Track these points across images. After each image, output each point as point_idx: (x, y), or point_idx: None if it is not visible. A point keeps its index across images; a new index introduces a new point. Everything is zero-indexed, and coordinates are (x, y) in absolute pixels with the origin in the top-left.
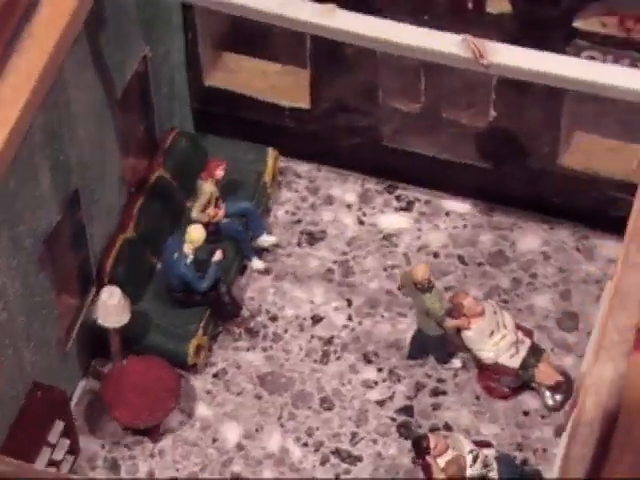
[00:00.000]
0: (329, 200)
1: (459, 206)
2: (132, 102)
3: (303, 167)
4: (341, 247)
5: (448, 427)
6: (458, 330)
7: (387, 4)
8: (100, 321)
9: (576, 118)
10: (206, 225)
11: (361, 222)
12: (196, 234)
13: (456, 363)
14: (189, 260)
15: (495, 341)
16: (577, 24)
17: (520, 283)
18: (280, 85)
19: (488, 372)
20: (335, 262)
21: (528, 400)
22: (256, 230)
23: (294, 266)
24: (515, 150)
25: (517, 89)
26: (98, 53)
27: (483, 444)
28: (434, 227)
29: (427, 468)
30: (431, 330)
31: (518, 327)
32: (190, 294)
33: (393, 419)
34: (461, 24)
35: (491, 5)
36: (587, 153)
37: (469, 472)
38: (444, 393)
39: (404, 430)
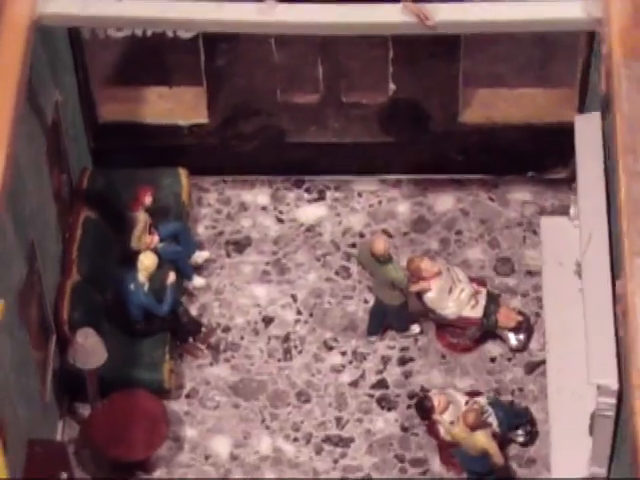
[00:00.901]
0: (243, 207)
1: (369, 184)
2: (54, 149)
3: (209, 181)
4: (269, 248)
5: (424, 390)
6: (419, 295)
7: None
8: (80, 364)
9: (472, 75)
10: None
11: (280, 220)
12: (149, 261)
13: (415, 329)
14: (146, 288)
15: (455, 296)
16: None
17: (448, 242)
18: (176, 106)
19: (450, 329)
20: (268, 263)
21: (491, 347)
22: (189, 248)
23: (230, 276)
24: (417, 118)
25: (413, 57)
26: (28, 102)
27: (473, 394)
28: (351, 210)
29: (434, 428)
30: (394, 300)
31: (471, 279)
32: (150, 322)
33: (370, 395)
34: None
35: None
36: (485, 106)
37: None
38: (411, 359)
39: (384, 402)
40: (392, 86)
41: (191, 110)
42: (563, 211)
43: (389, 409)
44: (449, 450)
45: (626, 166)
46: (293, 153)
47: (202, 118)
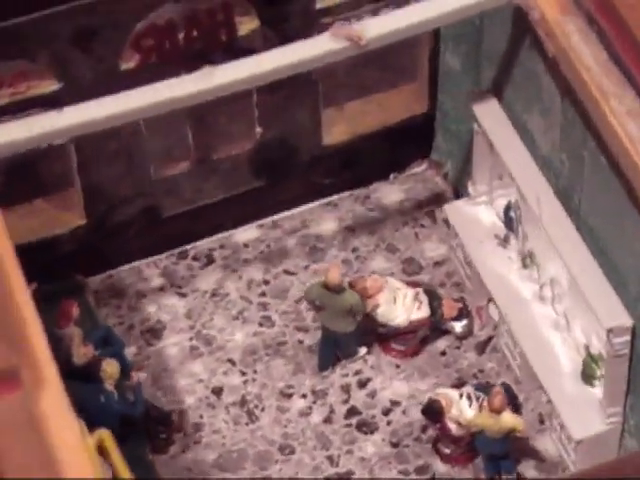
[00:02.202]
0: (141, 294)
1: (250, 232)
2: None
3: (98, 279)
4: (185, 324)
5: (395, 403)
6: (367, 314)
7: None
8: None
9: (329, 95)
10: (89, 364)
11: (183, 295)
12: (112, 368)
13: (362, 350)
14: (116, 395)
15: (401, 304)
16: (319, 5)
17: (350, 262)
18: (51, 216)
19: (394, 338)
20: (191, 339)
21: (437, 343)
22: (121, 345)
23: (160, 362)
24: (284, 154)
25: (275, 94)
26: None
27: (459, 385)
28: (245, 262)
29: (446, 429)
30: (348, 327)
31: (407, 283)
32: (125, 426)
33: (348, 425)
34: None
35: (241, 28)
36: (345, 122)
37: (470, 411)
38: (369, 380)
39: (365, 427)
40: (259, 129)
41: (68, 215)
42: (438, 199)
43: (372, 432)
44: (456, 445)
45: (612, 110)
46: (172, 226)
47: (80, 219)
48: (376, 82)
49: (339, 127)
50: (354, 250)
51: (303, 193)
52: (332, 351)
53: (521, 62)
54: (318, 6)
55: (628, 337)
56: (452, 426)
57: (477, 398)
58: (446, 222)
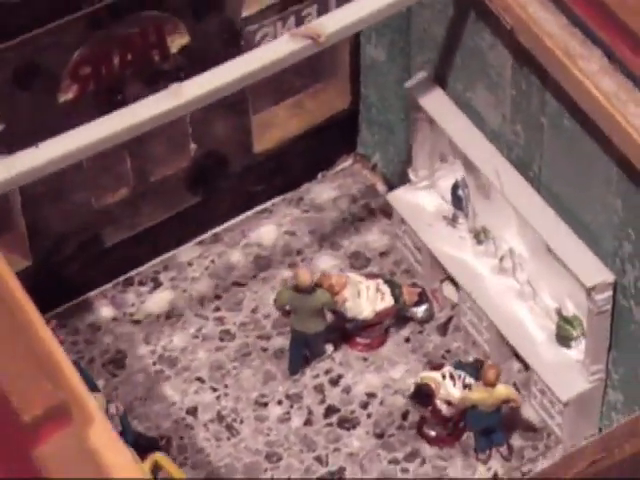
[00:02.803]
0: (95, 326)
1: (192, 251)
2: None
3: (48, 318)
4: (145, 350)
5: (371, 395)
6: (334, 311)
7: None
8: None
9: (256, 103)
10: None
11: (137, 322)
12: (98, 402)
13: (329, 348)
14: None
15: (365, 296)
16: (245, 14)
17: (297, 264)
18: None
19: (358, 332)
20: (155, 363)
21: (399, 331)
22: (91, 380)
23: (129, 391)
24: (218, 167)
25: (206, 108)
26: None
27: (436, 366)
28: (192, 280)
29: (437, 413)
30: (319, 327)
31: (365, 276)
32: None
33: (329, 424)
34: (161, 80)
35: (173, 46)
36: (274, 127)
37: (456, 390)
38: (340, 376)
39: (346, 423)
40: (193, 146)
41: (13, 258)
42: (370, 192)
43: (354, 427)
44: (442, 426)
45: (582, 70)
46: (115, 254)
47: (26, 260)
48: (299, 83)
49: (268, 133)
50: (298, 253)
51: (239, 204)
52: (302, 354)
53: (461, 41)
54: (244, 14)
55: (610, 292)
56: (443, 407)
57: (458, 377)
58: (384, 212)
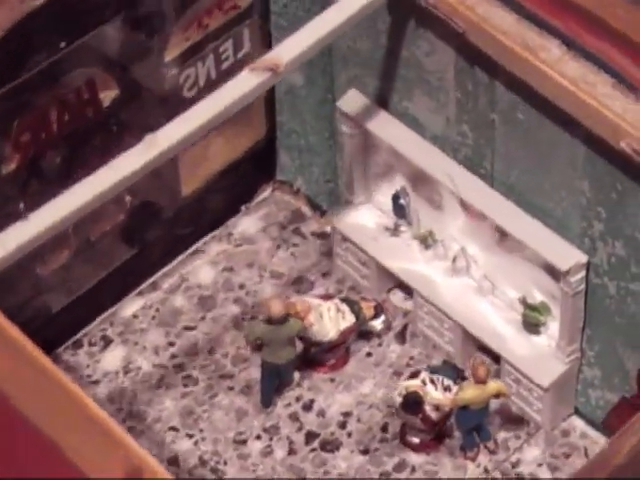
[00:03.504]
0: None
1: (134, 303)
2: None
3: None
4: (111, 409)
5: (347, 414)
6: (301, 338)
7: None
8: None
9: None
10: None
11: (96, 382)
12: None
13: (296, 376)
14: None
15: (327, 318)
16: (167, 58)
17: (241, 300)
18: None
19: (319, 355)
20: (124, 420)
21: (359, 347)
22: None
23: None
24: (151, 215)
25: None
26: None
27: (413, 373)
28: (142, 331)
29: (427, 419)
30: (291, 355)
31: (318, 297)
32: None
33: (313, 449)
34: (97, 136)
35: (104, 100)
36: (199, 167)
37: (436, 394)
38: (312, 401)
39: (329, 446)
40: (128, 198)
41: None
42: (297, 216)
43: (337, 448)
44: (425, 432)
45: (544, 61)
46: (62, 319)
47: None
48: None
49: (193, 174)
50: (241, 287)
51: (172, 248)
52: (274, 385)
53: (392, 52)
54: (166, 59)
55: (583, 273)
56: (432, 413)
57: (437, 380)
58: (316, 234)
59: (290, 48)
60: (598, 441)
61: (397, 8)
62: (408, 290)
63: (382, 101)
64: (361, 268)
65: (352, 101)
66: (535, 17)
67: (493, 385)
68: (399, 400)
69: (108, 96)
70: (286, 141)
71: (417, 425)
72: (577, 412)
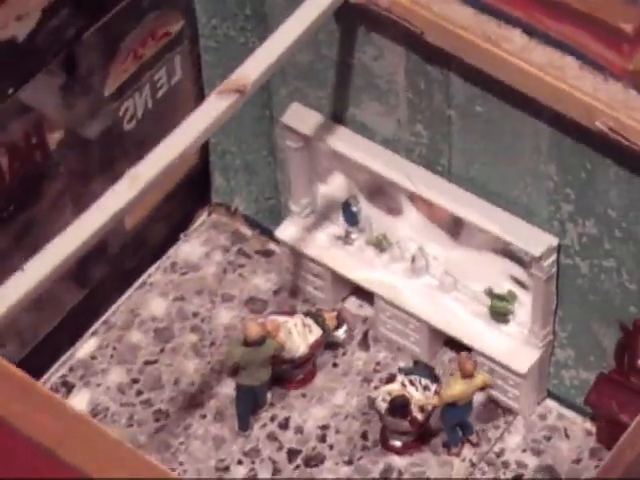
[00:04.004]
0: None
1: (91, 343)
2: None
3: None
4: None
5: (324, 427)
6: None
7: None
8: None
9: None
10: None
11: None
12: None
13: (269, 396)
14: None
15: (296, 333)
16: (107, 92)
17: (198, 326)
18: None
19: (298, 368)
20: None
21: (324, 360)
22: None
23: None
24: (99, 252)
25: None
26: None
27: (390, 378)
28: (102, 372)
29: (415, 421)
30: (267, 375)
31: (281, 314)
32: None
33: (297, 467)
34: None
35: (51, 143)
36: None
37: (419, 394)
38: (287, 418)
39: (312, 461)
40: None
41: None
42: (238, 238)
43: (321, 461)
44: (407, 435)
45: (508, 51)
46: (23, 370)
47: None
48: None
49: (135, 207)
50: (195, 315)
51: (121, 284)
52: (250, 408)
53: (335, 61)
54: (106, 94)
55: (555, 256)
56: (418, 414)
57: (415, 381)
58: (260, 252)
59: (254, 67)
60: (575, 421)
61: (344, 16)
62: (363, 296)
63: (327, 111)
64: (314, 280)
65: (296, 115)
66: (493, 8)
67: (479, 377)
68: (384, 406)
69: (55, 138)
70: (220, 162)
71: (404, 428)
72: (550, 395)
